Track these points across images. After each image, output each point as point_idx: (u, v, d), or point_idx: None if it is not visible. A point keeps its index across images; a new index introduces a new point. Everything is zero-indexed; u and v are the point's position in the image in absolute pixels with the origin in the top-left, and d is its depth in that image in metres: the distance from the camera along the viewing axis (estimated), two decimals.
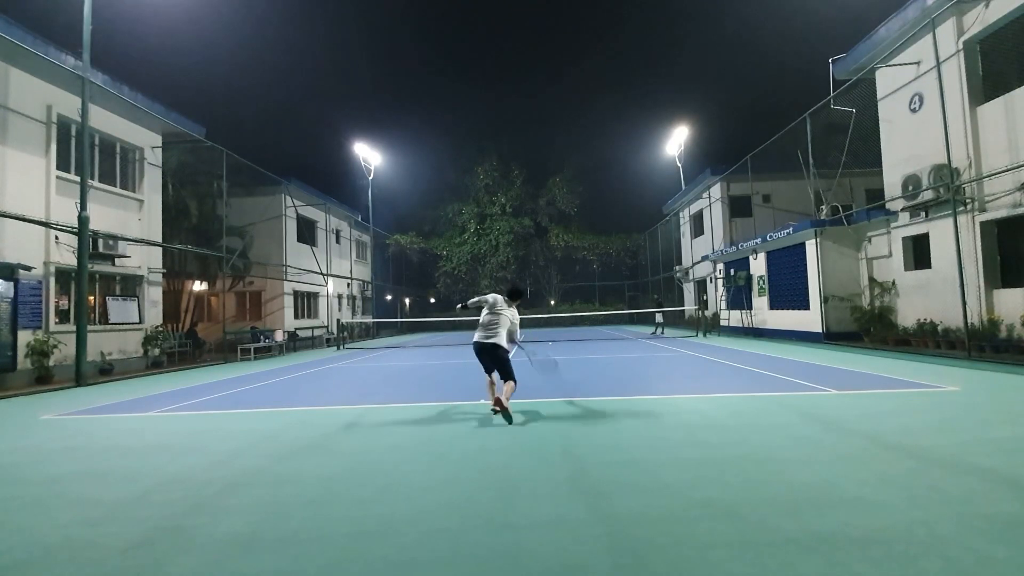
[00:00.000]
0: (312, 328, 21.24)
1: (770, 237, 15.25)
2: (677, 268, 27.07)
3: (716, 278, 20.13)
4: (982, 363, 8.09)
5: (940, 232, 10.25)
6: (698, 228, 24.87)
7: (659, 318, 19.94)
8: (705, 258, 21.41)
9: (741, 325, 17.55)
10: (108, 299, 12.01)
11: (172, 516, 2.82)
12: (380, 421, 5.22)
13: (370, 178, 26.13)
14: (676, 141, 25.90)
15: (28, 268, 9.79)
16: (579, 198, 35.84)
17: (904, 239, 11.50)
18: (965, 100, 9.71)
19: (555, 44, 70.74)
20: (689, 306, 23.84)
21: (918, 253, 11.27)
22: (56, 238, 10.51)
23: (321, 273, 21.88)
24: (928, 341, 10.24)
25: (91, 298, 11.50)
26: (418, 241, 35.00)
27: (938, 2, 9.78)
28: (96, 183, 11.71)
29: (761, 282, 16.42)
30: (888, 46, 11.36)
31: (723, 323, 19.17)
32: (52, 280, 10.44)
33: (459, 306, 5.96)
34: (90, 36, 9.89)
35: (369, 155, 26.17)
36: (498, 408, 4.99)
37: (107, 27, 11.60)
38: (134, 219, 12.91)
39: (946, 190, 9.58)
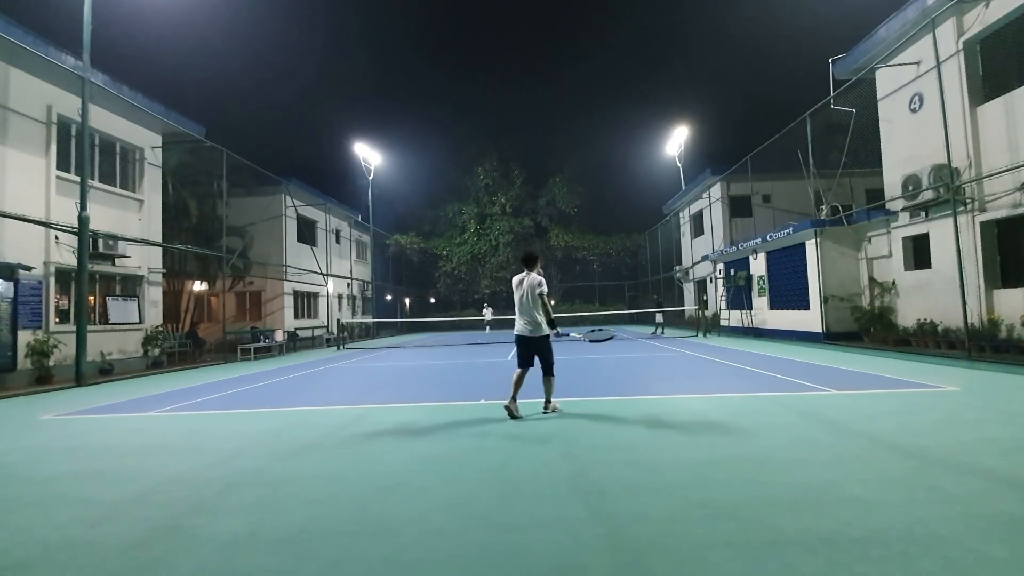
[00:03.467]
0: (312, 328, 21.24)
1: (770, 237, 15.24)
2: (677, 268, 27.08)
3: (716, 278, 20.13)
4: (982, 363, 8.09)
5: (940, 232, 10.25)
6: (698, 228, 24.87)
7: (659, 318, 19.76)
8: (705, 258, 21.41)
9: (741, 325, 17.55)
10: (108, 299, 12.02)
11: (172, 516, 2.82)
12: (380, 421, 5.22)
13: (370, 178, 26.13)
14: (676, 141, 25.89)
15: (28, 268, 9.79)
16: (579, 198, 35.88)
17: (904, 239, 11.50)
18: (965, 100, 9.71)
19: (555, 44, 70.76)
20: (689, 306, 23.83)
21: (918, 253, 11.27)
22: (56, 238, 10.51)
23: (321, 273, 21.87)
24: (928, 341, 10.24)
25: (91, 298, 11.50)
26: (418, 241, 35.00)
27: (938, 2, 9.78)
28: (96, 183, 11.71)
29: (761, 282, 16.41)
30: (888, 46, 11.35)
31: (723, 323, 19.17)
32: (52, 280, 10.45)
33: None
34: (90, 36, 9.89)
35: (369, 155, 26.16)
36: (548, 409, 5.04)
37: (107, 27, 11.61)
38: (134, 219, 12.91)
39: (946, 190, 9.57)
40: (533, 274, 5.00)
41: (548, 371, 5.10)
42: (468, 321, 32.04)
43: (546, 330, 4.99)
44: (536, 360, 5.10)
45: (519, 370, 5.04)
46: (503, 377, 8.44)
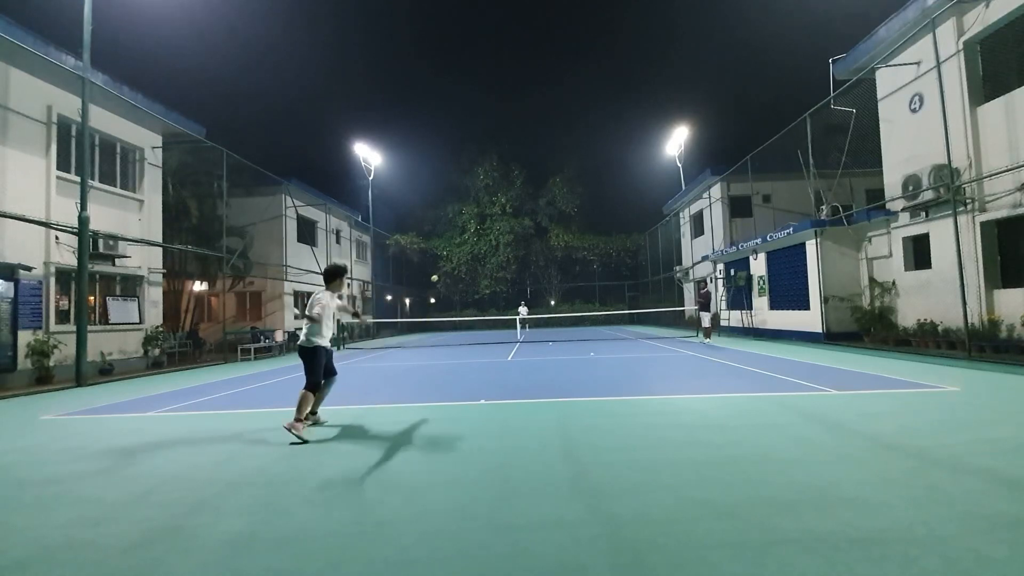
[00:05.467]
0: None
1: (770, 237, 15.24)
2: (677, 268, 27.07)
3: (716, 278, 20.12)
4: (982, 363, 8.08)
5: (940, 232, 10.25)
6: (698, 228, 24.87)
7: (705, 320, 14.58)
8: (705, 258, 21.41)
9: (741, 325, 17.54)
10: (108, 299, 12.02)
11: (172, 516, 2.82)
12: (380, 421, 5.23)
13: (370, 178, 26.14)
14: (676, 141, 25.90)
15: (28, 268, 9.79)
16: (579, 198, 35.94)
17: (904, 239, 11.50)
18: (965, 100, 9.70)
19: (555, 45, 70.78)
20: (689, 306, 23.81)
21: (918, 253, 11.27)
22: (56, 238, 10.51)
23: (321, 273, 21.87)
24: (928, 341, 10.24)
25: (91, 298, 11.50)
26: (418, 241, 35.01)
27: (938, 2, 9.78)
28: (96, 183, 11.71)
29: (761, 282, 16.40)
30: (888, 46, 11.35)
31: (723, 323, 19.14)
32: (52, 280, 10.44)
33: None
34: (90, 36, 9.89)
35: (369, 155, 26.16)
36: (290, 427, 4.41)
37: (107, 27, 11.62)
38: (134, 219, 12.91)
39: (946, 190, 9.57)
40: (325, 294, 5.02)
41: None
42: (470, 321, 32.06)
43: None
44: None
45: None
46: (504, 377, 8.45)
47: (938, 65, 9.51)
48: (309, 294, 22.51)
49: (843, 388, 6.14)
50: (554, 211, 35.76)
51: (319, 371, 4.88)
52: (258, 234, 19.01)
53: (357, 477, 3.42)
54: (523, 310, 25.18)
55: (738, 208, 21.36)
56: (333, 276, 5.15)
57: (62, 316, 10.81)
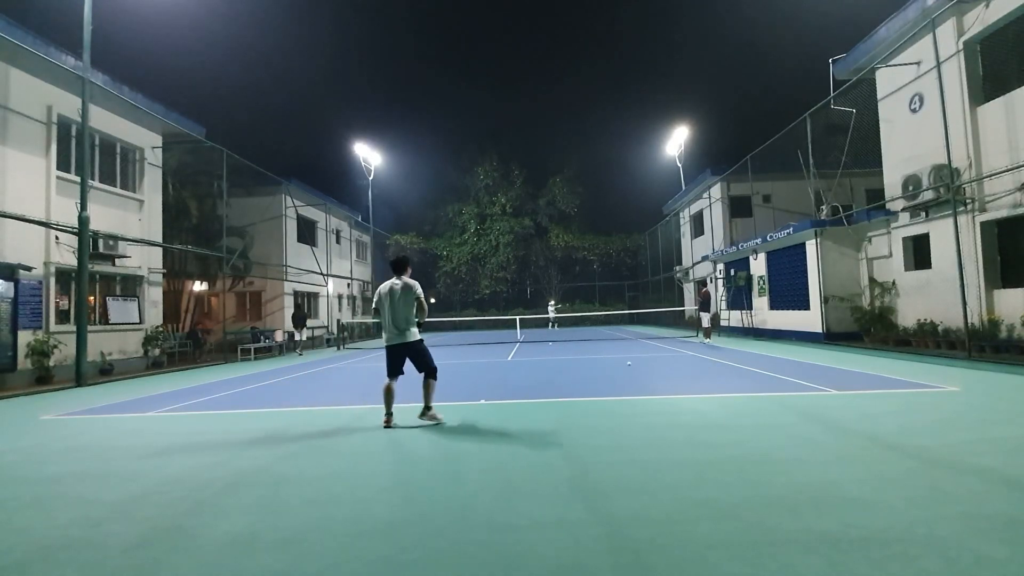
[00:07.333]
0: (312, 328, 21.24)
1: (770, 237, 15.24)
2: (677, 268, 27.07)
3: (716, 278, 20.11)
4: (982, 363, 8.08)
5: (940, 232, 10.25)
6: (698, 228, 24.87)
7: (705, 320, 14.65)
8: (705, 258, 21.41)
9: (741, 325, 17.54)
10: (108, 299, 12.02)
11: (172, 516, 2.82)
12: (380, 421, 5.22)
13: (370, 178, 26.13)
14: (676, 141, 25.86)
15: (28, 268, 9.80)
16: (579, 198, 35.88)
17: (904, 239, 11.50)
18: (965, 100, 9.71)
19: (555, 45, 70.74)
20: (689, 306, 23.81)
21: (918, 253, 11.27)
22: (56, 238, 10.52)
23: (321, 273, 21.88)
24: (928, 341, 10.24)
25: (91, 298, 11.51)
26: (418, 241, 34.99)
27: (938, 2, 9.78)
28: (96, 183, 11.72)
29: (761, 282, 16.40)
30: (888, 46, 11.35)
31: (723, 323, 19.13)
32: (52, 280, 10.45)
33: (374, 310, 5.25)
34: (90, 36, 9.90)
35: (369, 155, 26.15)
36: (425, 417, 4.92)
37: (107, 27, 11.63)
38: (134, 219, 12.92)
39: (946, 190, 9.57)
40: (407, 279, 5.04)
41: (431, 374, 5.13)
42: (470, 320, 32.04)
43: (419, 334, 5.07)
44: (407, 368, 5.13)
45: (390, 381, 5.05)
46: (504, 377, 8.45)
47: (938, 65, 9.50)
48: (310, 294, 22.56)
49: (843, 388, 6.14)
50: (554, 211, 35.73)
51: (388, 365, 5.07)
52: (258, 234, 19.02)
53: (357, 477, 3.42)
54: (552, 308, 24.95)
55: (738, 208, 21.36)
56: (393, 265, 5.15)
57: (62, 316, 10.81)
